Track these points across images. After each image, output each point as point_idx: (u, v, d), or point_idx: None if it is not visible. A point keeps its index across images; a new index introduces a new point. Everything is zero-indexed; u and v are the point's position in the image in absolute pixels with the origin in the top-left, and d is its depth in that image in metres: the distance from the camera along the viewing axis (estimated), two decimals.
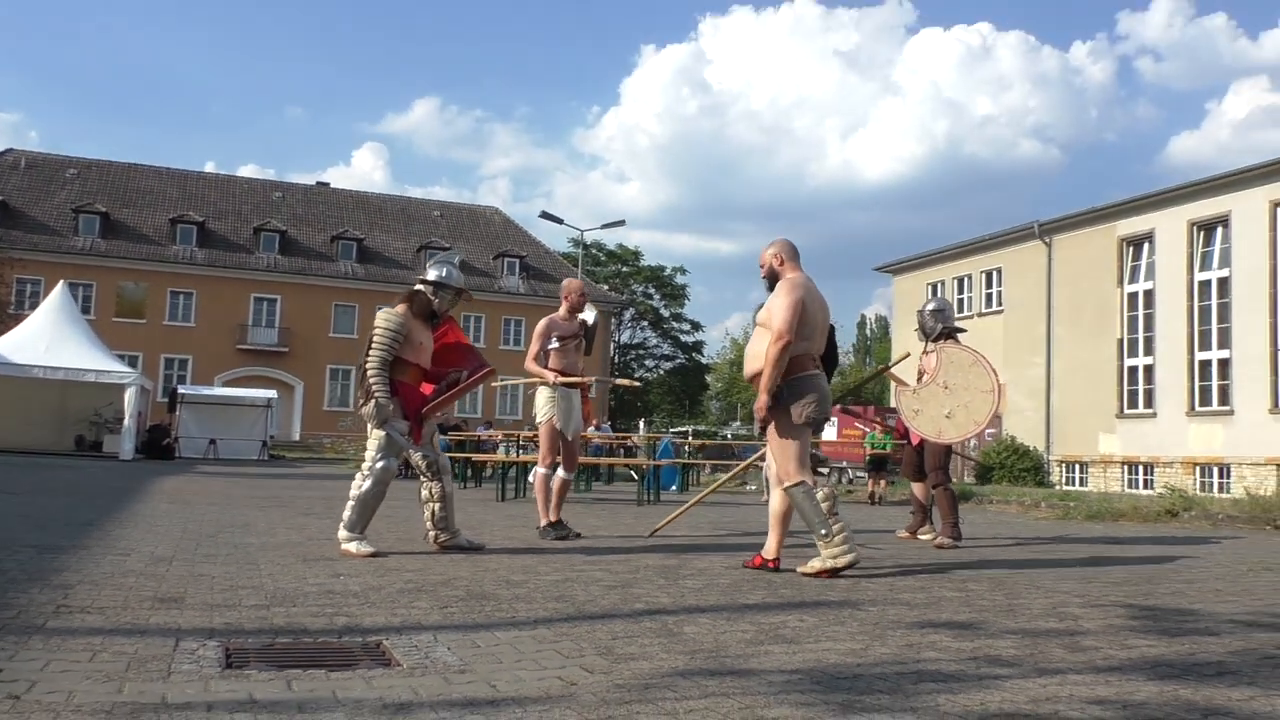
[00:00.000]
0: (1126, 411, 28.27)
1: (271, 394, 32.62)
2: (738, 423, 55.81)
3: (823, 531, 5.34)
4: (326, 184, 55.18)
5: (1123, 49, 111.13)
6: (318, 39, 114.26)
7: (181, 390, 31.39)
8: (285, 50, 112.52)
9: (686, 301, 65.13)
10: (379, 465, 5.93)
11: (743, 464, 9.54)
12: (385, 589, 4.55)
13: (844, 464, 27.70)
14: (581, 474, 17.03)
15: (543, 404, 7.28)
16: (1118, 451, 28.22)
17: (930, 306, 8.07)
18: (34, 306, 30.08)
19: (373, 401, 5.86)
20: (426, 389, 6.21)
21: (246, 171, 55.98)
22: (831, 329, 5.84)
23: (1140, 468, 27.57)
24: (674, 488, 16.60)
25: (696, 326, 65.57)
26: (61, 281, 27.47)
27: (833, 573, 5.32)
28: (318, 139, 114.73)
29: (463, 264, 6.86)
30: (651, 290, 64.27)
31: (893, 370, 8.69)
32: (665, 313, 64.61)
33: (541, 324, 7.45)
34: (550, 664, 3.10)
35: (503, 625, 3.76)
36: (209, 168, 53.75)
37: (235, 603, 4.08)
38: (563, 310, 7.57)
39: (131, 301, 43.88)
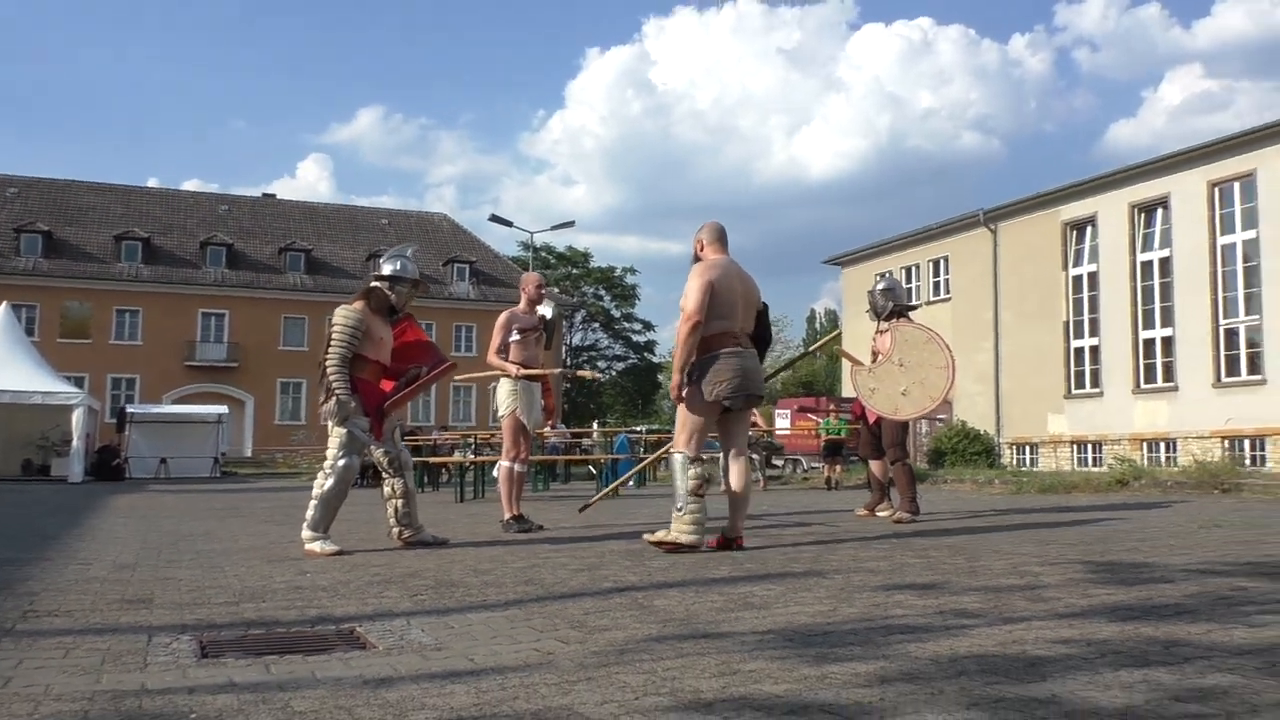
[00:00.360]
0: (1074, 392, 28.81)
1: (222, 410, 32.17)
2: None
3: (678, 505, 5.52)
4: (273, 195, 54.51)
5: (1060, 40, 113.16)
6: (258, 51, 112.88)
7: (130, 409, 30.88)
8: (225, 62, 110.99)
9: (637, 302, 65.22)
10: (341, 463, 5.91)
11: (657, 453, 9.62)
12: (353, 583, 4.54)
13: (798, 456, 27.92)
14: (539, 473, 17.03)
15: (505, 397, 7.29)
16: (1066, 431, 28.75)
17: (880, 286, 8.18)
18: None
19: (333, 399, 5.84)
20: (387, 386, 6.20)
21: (190, 186, 55.11)
22: (765, 308, 5.90)
23: (1089, 446, 28.10)
24: (631, 484, 16.63)
25: (648, 326, 65.67)
26: (4, 303, 26.87)
27: (675, 546, 5.45)
28: (262, 152, 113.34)
29: (417, 255, 6.87)
30: (602, 291, 64.28)
31: (846, 350, 8.80)
32: (616, 313, 64.65)
33: (502, 317, 7.45)
34: (525, 639, 3.13)
35: (474, 608, 3.78)
36: (152, 184, 52.75)
37: (204, 601, 4.06)
38: (522, 304, 7.59)
39: (76, 321, 43.03)
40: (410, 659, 2.86)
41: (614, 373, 65.10)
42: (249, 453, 42.42)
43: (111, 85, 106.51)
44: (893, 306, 7.95)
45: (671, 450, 5.74)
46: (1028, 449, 30.03)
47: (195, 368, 44.56)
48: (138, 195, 49.63)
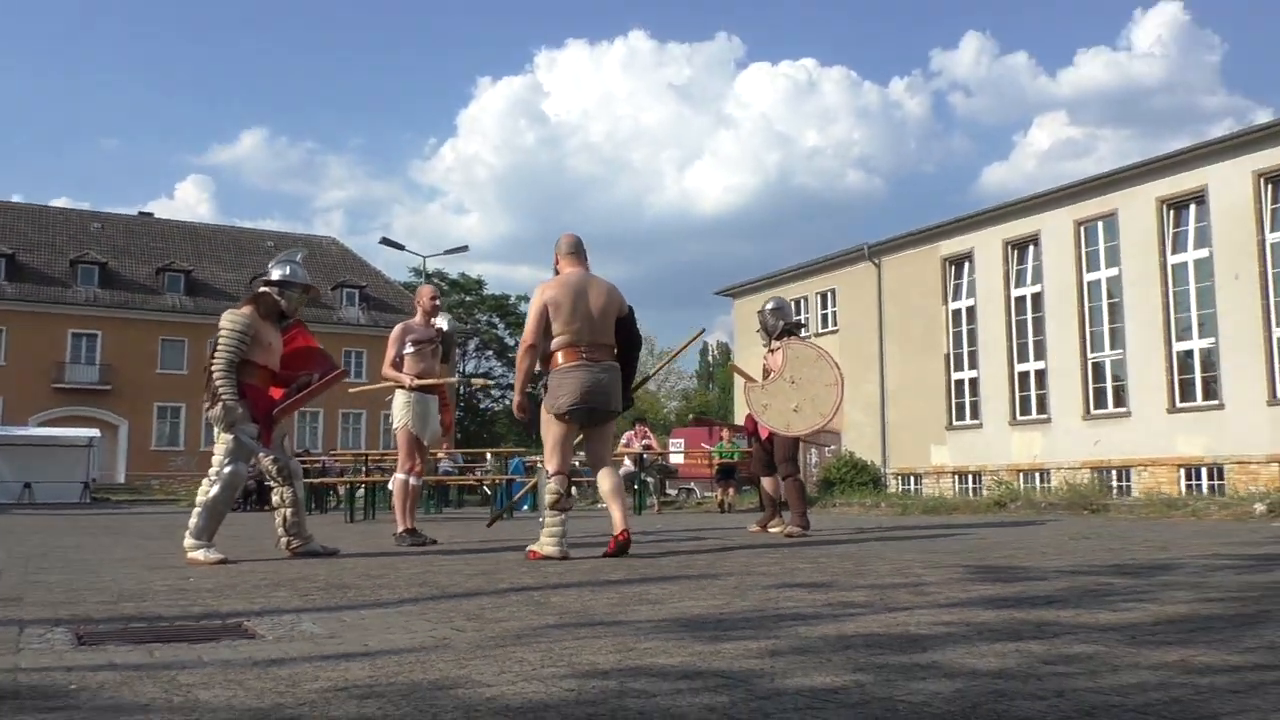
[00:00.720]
0: (955, 423, 29.78)
1: (93, 433, 30.89)
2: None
3: (541, 519, 5.77)
4: (150, 214, 52.74)
5: (936, 84, 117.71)
6: (133, 66, 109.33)
7: None
8: (97, 77, 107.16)
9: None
10: (227, 470, 5.76)
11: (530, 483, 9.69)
12: (240, 585, 4.43)
13: (691, 484, 28.15)
14: (430, 496, 16.81)
15: (399, 410, 7.21)
16: (949, 462, 29.66)
17: (769, 305, 8.38)
18: None
19: (220, 404, 5.70)
20: (276, 393, 6.07)
21: (60, 204, 52.85)
22: (630, 314, 5.94)
23: (970, 476, 29.03)
24: (525, 507, 16.54)
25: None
26: None
27: (543, 558, 5.55)
28: (137, 171, 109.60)
29: (305, 260, 6.69)
30: (496, 319, 63.93)
31: (739, 366, 8.95)
32: (510, 341, 64.30)
33: (396, 329, 7.39)
34: (420, 629, 3.10)
35: (368, 606, 3.73)
36: (16, 199, 50.46)
37: (79, 601, 3.91)
38: (418, 316, 7.53)
39: None
40: (302, 645, 2.81)
41: (508, 402, 64.62)
42: (122, 479, 40.70)
43: None
44: (783, 325, 8.14)
45: (544, 469, 5.92)
46: (912, 479, 30.84)
47: (64, 390, 42.65)
48: (1, 210, 47.42)
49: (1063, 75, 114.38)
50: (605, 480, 5.79)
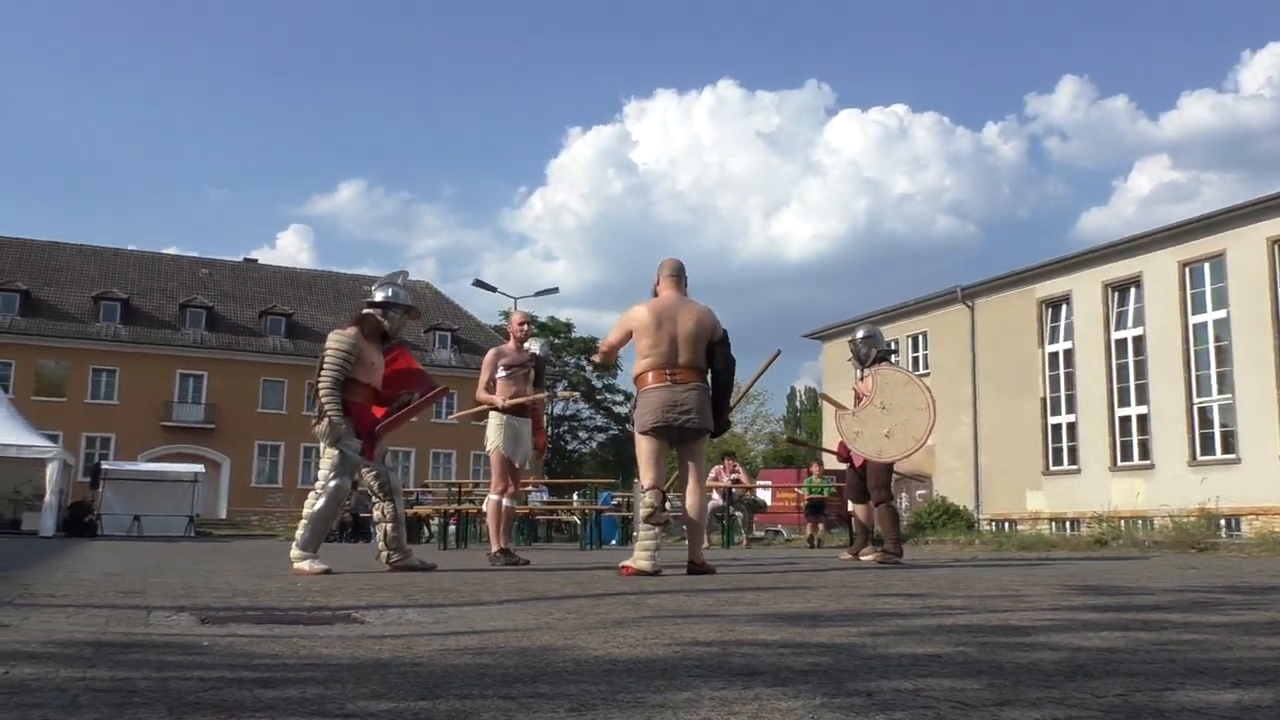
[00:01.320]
0: (1052, 468, 29.00)
1: (198, 468, 31.90)
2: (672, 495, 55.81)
3: (634, 534, 5.94)
4: (255, 260, 54.73)
5: (1032, 129, 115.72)
6: (239, 121, 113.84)
7: (105, 466, 30.56)
8: (205, 132, 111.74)
9: (619, 372, 65.32)
10: (333, 484, 5.94)
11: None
12: (345, 588, 4.57)
13: (778, 526, 27.88)
14: (520, 528, 16.96)
15: (492, 432, 7.35)
16: (1045, 508, 28.84)
17: (860, 334, 8.35)
18: None
19: (326, 420, 5.90)
20: (378, 411, 6.27)
21: (170, 251, 55.30)
22: (725, 337, 6.02)
23: (1067, 523, 28.16)
24: (614, 541, 16.58)
25: (629, 397, 65.63)
26: None
27: (637, 572, 5.57)
28: (241, 221, 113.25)
29: (407, 282, 6.89)
30: (584, 361, 64.45)
31: (828, 395, 8.92)
32: (598, 384, 64.76)
33: (489, 354, 7.56)
34: (523, 619, 3.18)
35: (469, 604, 3.82)
36: (131, 247, 52.87)
37: (198, 595, 4.09)
38: (509, 342, 7.70)
39: (52, 380, 42.76)
40: (411, 628, 2.91)
41: (595, 444, 65.00)
42: (224, 514, 41.91)
43: (86, 153, 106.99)
44: (875, 353, 8.11)
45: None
46: (1007, 525, 30.04)
47: (172, 428, 44.22)
48: (117, 257, 49.67)
49: (1165, 119, 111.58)
50: (690, 497, 5.88)
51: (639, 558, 5.62)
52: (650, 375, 5.84)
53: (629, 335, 5.96)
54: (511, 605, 3.73)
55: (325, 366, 6.00)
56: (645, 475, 5.81)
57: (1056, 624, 2.70)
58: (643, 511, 5.74)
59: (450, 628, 2.85)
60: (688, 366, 5.84)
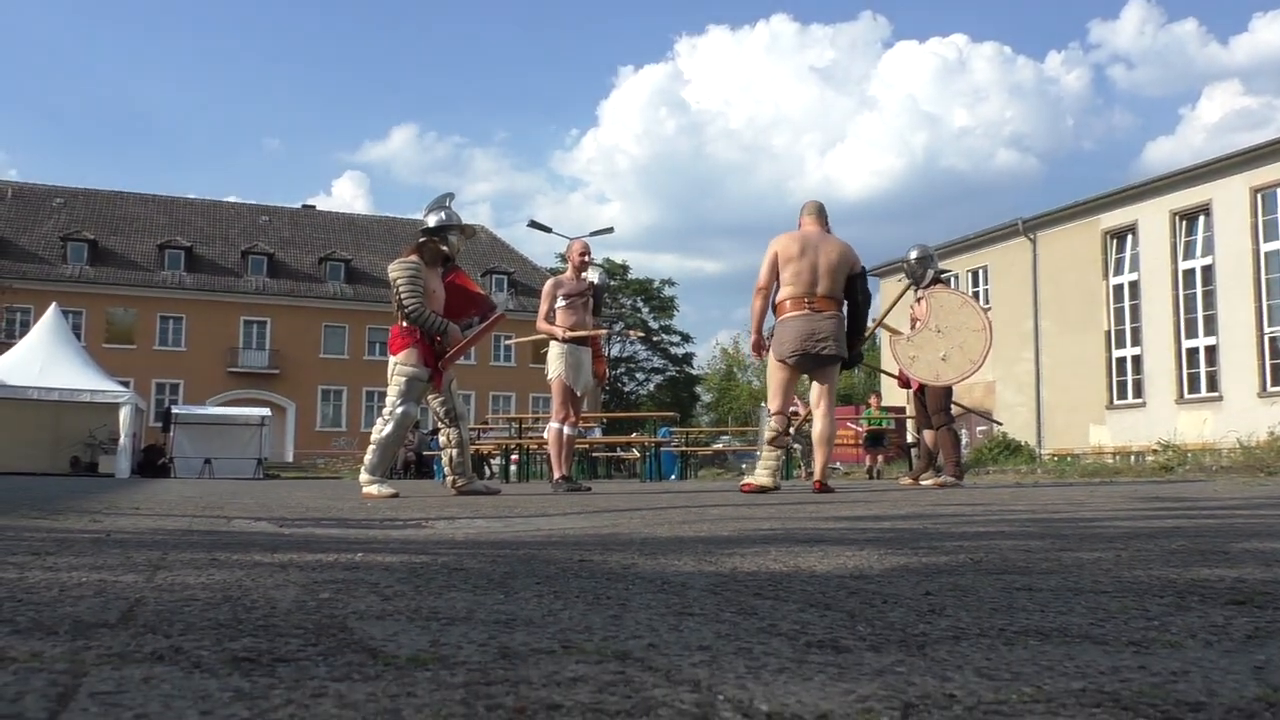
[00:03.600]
0: (1116, 402, 28.56)
1: (265, 412, 32.62)
2: (728, 435, 55.80)
3: (758, 453, 6.16)
4: (313, 207, 55.32)
5: (1096, 57, 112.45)
6: (291, 70, 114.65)
7: (175, 410, 31.38)
8: (259, 83, 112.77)
9: (675, 313, 65.26)
10: (399, 410, 6.06)
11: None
12: (414, 506, 4.70)
13: (836, 463, 27.88)
14: (579, 463, 17.15)
15: (553, 361, 7.42)
16: (1108, 442, 28.45)
17: (914, 255, 8.24)
18: (24, 335, 30.07)
19: (445, 331, 6.02)
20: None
21: (231, 200, 56.13)
22: (863, 272, 6.31)
23: (1132, 457, 27.77)
24: (673, 476, 16.73)
25: (686, 339, 65.64)
26: (54, 304, 27.50)
27: (757, 489, 5.79)
28: (298, 169, 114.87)
29: (453, 200, 6.79)
30: (640, 303, 64.48)
31: (885, 321, 8.81)
32: (654, 324, 64.76)
33: (548, 284, 7.61)
34: (588, 525, 3.25)
35: (535, 517, 3.91)
36: (192, 196, 53.75)
37: (274, 511, 4.23)
38: (569, 271, 7.74)
39: (121, 327, 43.87)
40: (482, 529, 2.99)
41: (652, 386, 65.17)
42: (290, 458, 42.94)
43: (146, 107, 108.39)
44: (930, 273, 8.00)
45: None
46: (1069, 460, 29.75)
47: (237, 374, 45.24)
48: (180, 205, 50.54)
49: (1235, 42, 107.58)
50: (818, 423, 6.13)
51: (760, 474, 5.93)
52: (789, 303, 6.02)
53: (775, 261, 6.08)
54: (576, 517, 3.81)
55: (405, 297, 6.03)
56: (774, 401, 6.07)
57: (1119, 515, 2.70)
58: (767, 434, 6.03)
59: (519, 529, 2.93)
60: (826, 296, 6.04)
